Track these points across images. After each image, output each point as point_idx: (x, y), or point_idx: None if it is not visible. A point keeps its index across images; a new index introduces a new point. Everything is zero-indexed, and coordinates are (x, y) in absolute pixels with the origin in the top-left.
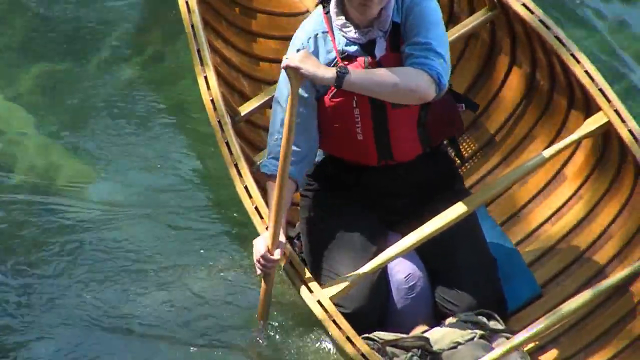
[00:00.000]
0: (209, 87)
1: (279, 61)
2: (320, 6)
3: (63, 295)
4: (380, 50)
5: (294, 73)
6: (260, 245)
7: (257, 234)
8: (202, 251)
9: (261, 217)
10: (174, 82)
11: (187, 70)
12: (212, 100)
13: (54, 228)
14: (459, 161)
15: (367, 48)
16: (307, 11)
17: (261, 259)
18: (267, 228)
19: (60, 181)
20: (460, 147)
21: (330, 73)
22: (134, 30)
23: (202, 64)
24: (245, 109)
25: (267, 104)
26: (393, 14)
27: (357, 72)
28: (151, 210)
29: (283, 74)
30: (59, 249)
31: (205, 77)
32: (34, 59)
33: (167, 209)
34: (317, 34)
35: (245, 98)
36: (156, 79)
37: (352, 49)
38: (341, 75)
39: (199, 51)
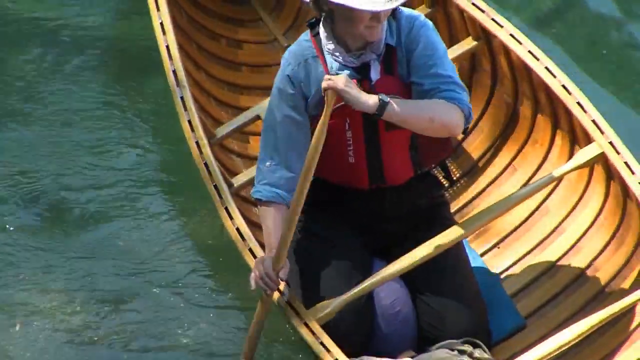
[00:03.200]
0: (186, 108)
1: (247, 87)
2: (308, 30)
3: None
4: (375, 74)
5: (333, 95)
6: (266, 264)
7: (235, 253)
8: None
9: (243, 239)
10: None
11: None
12: (189, 122)
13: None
14: (447, 183)
15: (360, 71)
16: (275, 39)
17: (265, 277)
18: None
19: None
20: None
21: (372, 100)
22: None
23: (177, 84)
24: (219, 132)
25: (241, 129)
26: (386, 37)
27: (397, 102)
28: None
29: (274, 97)
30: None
31: (182, 98)
32: None
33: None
34: (307, 59)
35: (216, 122)
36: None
37: (345, 72)
38: (383, 105)
39: (174, 72)
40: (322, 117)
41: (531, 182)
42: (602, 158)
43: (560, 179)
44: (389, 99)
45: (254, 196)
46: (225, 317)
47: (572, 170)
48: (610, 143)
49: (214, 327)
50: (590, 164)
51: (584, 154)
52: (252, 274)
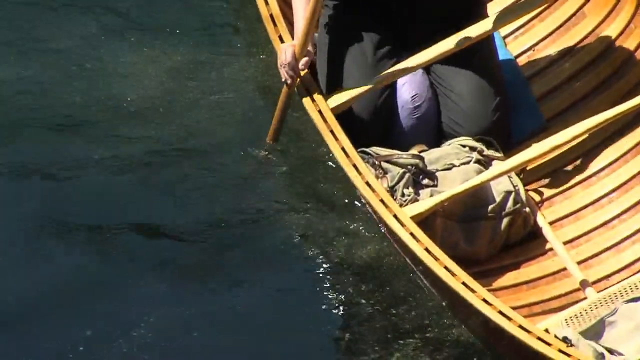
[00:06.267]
0: None
1: None
2: None
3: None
4: None
5: None
6: (288, 52)
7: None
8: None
9: (274, 25)
10: None
11: None
12: None
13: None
14: None
15: None
16: None
17: (287, 67)
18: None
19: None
20: None
21: None
22: None
23: None
24: None
25: None
26: None
27: None
28: None
29: None
30: None
31: None
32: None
33: None
34: None
35: None
36: None
37: None
38: None
39: None
40: None
41: None
42: None
43: None
44: None
45: None
46: None
47: None
48: None
49: None
50: None
51: None
52: (277, 61)
